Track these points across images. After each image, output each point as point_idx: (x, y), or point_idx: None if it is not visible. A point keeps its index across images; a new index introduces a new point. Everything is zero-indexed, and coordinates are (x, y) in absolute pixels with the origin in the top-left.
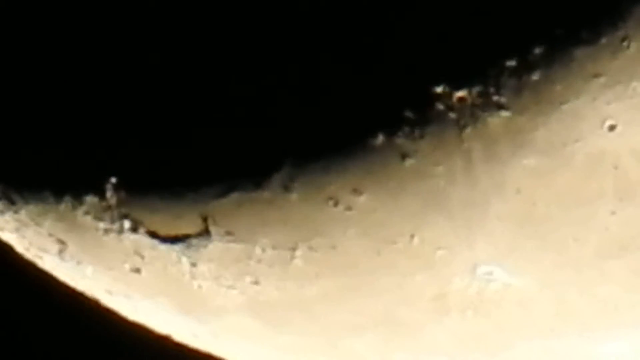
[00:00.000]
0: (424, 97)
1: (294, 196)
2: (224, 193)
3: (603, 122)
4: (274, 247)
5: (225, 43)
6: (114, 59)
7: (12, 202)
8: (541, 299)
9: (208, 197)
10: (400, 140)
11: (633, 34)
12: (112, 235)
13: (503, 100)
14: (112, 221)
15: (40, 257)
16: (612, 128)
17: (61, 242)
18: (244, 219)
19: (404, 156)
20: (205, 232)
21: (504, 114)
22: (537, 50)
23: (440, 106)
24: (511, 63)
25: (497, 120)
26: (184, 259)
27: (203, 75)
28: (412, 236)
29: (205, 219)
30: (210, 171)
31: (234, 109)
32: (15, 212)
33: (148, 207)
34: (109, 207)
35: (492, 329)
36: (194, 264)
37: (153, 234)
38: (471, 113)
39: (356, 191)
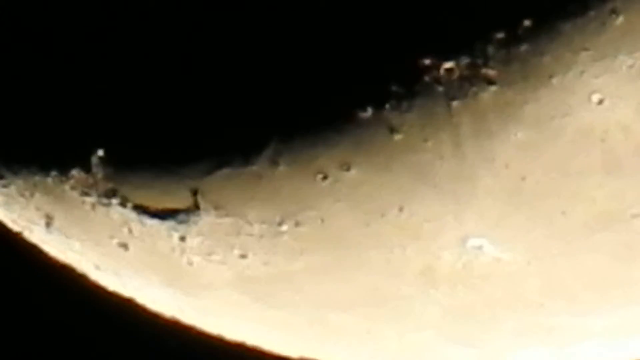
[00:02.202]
0: (412, 70)
1: (282, 170)
2: (213, 169)
3: (591, 95)
4: (262, 221)
5: (210, 20)
6: (102, 33)
7: (0, 177)
8: (529, 273)
9: (197, 172)
10: (388, 114)
11: (621, 7)
12: (100, 210)
13: (491, 73)
14: (99, 196)
15: (29, 230)
16: (600, 102)
17: (48, 216)
18: (233, 193)
19: (392, 130)
20: (194, 207)
21: (493, 87)
22: (526, 23)
23: (428, 79)
24: (499, 35)
25: (485, 94)
26: (173, 234)
27: (191, 52)
28: (400, 210)
29: (194, 194)
30: (199, 147)
31: (222, 85)
32: (4, 186)
33: (136, 182)
34: (96, 182)
35: (481, 303)
36: (182, 239)
37: (141, 209)
38: (460, 86)
39: (345, 165)
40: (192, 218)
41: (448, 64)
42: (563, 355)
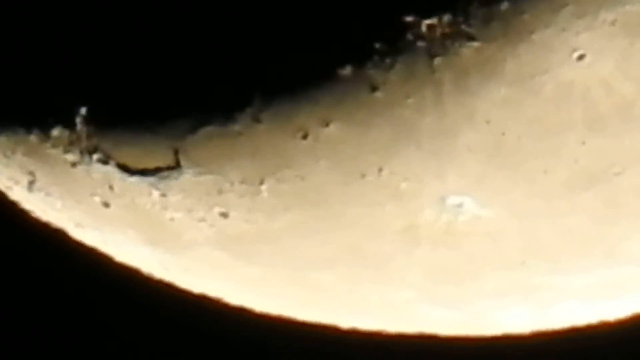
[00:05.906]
0: (394, 27)
1: (263, 128)
2: (195, 127)
3: (572, 52)
4: (243, 180)
5: None
6: None
7: None
8: (510, 231)
9: (179, 131)
10: (370, 71)
11: None
12: (82, 168)
13: (472, 30)
14: (82, 154)
15: (10, 189)
16: (580, 58)
17: (31, 174)
18: (214, 151)
19: (373, 87)
20: (175, 165)
21: (474, 44)
22: None
23: (410, 36)
24: None
25: (466, 51)
26: (154, 192)
27: (174, 12)
28: (381, 168)
29: (176, 153)
30: (182, 106)
31: (204, 43)
32: None
33: (118, 140)
34: (79, 140)
35: (462, 261)
36: (164, 197)
37: (123, 167)
38: (441, 43)
39: (325, 123)
40: (173, 175)
41: (430, 21)
42: (544, 315)
